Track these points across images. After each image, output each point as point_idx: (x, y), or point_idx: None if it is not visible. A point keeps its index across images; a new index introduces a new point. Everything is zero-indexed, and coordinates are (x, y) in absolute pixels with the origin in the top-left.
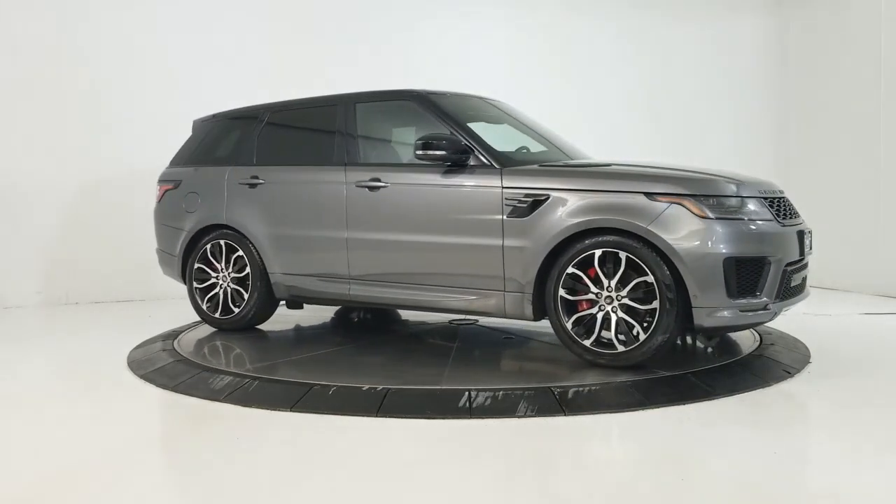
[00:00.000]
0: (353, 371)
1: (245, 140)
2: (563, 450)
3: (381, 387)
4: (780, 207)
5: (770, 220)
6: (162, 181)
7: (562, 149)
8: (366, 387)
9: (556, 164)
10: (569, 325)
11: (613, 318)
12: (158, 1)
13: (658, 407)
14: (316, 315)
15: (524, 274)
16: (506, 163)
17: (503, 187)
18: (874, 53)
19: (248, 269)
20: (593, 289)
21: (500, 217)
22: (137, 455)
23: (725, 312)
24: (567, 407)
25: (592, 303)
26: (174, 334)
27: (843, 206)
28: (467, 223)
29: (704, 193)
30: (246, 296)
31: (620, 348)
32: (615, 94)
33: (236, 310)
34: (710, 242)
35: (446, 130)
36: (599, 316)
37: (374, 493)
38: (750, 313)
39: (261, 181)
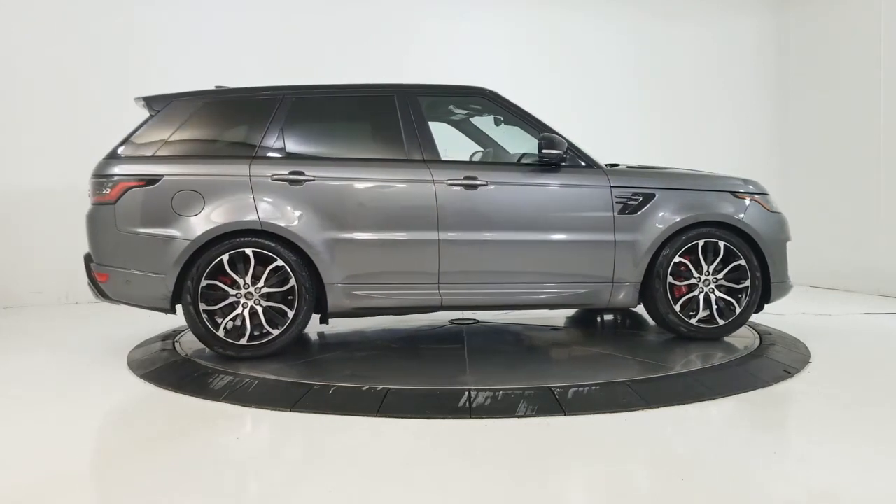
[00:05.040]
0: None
1: (261, 128)
2: (563, 450)
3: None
4: None
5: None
6: (117, 176)
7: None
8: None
9: (651, 167)
10: (677, 308)
11: (713, 297)
12: (160, 3)
13: (658, 407)
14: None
15: (635, 265)
16: (600, 164)
17: (611, 186)
18: (874, 53)
19: (291, 282)
20: (695, 274)
21: (611, 214)
22: (137, 455)
23: (784, 286)
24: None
25: (691, 287)
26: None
27: (843, 206)
28: (579, 220)
29: (764, 192)
30: (291, 313)
31: (721, 322)
32: (615, 93)
33: (275, 332)
34: (779, 231)
35: (534, 131)
36: (701, 297)
37: (374, 493)
38: (787, 285)
39: (308, 177)
